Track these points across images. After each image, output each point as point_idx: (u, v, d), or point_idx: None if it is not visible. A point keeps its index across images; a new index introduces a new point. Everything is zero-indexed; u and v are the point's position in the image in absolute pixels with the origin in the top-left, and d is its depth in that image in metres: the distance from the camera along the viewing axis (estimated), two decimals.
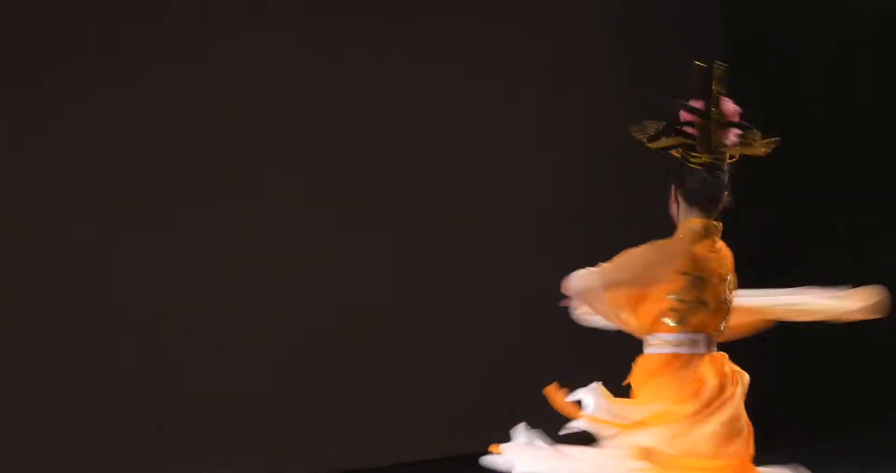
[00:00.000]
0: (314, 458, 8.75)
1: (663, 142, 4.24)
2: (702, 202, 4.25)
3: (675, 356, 4.17)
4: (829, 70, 10.80)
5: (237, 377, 8.56)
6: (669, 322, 4.17)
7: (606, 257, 4.38)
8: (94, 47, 8.11)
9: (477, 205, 9.69)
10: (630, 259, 4.21)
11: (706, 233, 4.26)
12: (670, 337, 4.19)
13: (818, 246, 10.26)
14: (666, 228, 4.42)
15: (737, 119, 4.25)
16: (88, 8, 8.08)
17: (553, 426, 4.30)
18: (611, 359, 4.68)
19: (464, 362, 9.56)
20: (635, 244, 4.37)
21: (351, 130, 9.17)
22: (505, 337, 9.75)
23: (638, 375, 4.25)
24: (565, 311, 4.59)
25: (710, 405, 4.10)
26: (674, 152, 4.27)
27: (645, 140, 4.26)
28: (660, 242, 4.25)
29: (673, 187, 4.32)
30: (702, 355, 4.18)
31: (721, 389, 4.13)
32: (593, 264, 4.39)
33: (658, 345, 4.21)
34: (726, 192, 4.27)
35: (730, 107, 4.24)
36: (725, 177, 4.27)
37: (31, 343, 7.86)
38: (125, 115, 8.21)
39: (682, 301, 4.15)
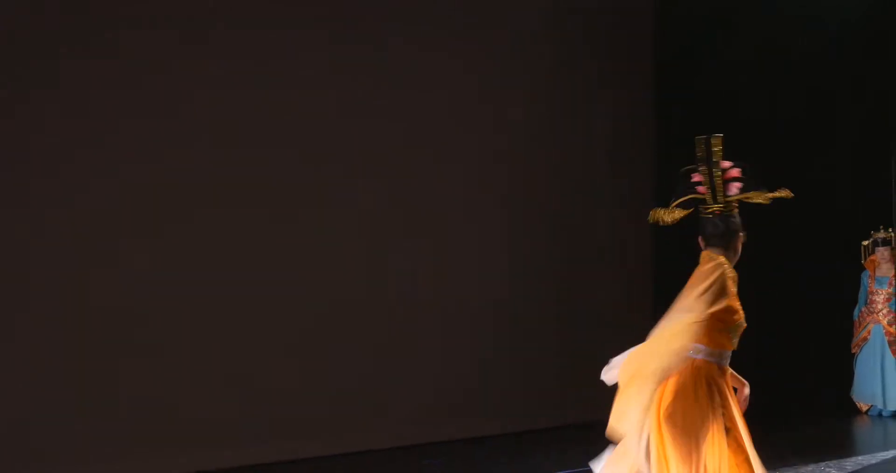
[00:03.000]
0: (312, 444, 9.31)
1: (681, 200, 5.23)
2: (717, 242, 5.16)
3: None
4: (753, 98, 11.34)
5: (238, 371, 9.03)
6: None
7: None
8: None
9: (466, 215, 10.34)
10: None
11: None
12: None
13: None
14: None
15: (736, 175, 5.20)
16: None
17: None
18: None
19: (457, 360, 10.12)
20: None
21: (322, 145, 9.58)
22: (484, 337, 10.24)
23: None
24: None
25: None
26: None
27: (669, 208, 5.25)
28: None
29: (699, 236, 5.22)
30: None
31: None
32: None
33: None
34: (741, 231, 5.22)
35: (728, 166, 5.21)
36: (736, 220, 5.22)
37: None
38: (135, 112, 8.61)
39: None
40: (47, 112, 8.29)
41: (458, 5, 10.45)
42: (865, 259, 11.98)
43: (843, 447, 10.06)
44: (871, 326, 11.85)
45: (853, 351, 12.00)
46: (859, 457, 9.55)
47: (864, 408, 11.90)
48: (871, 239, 11.91)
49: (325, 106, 9.61)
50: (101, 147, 8.50)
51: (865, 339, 11.88)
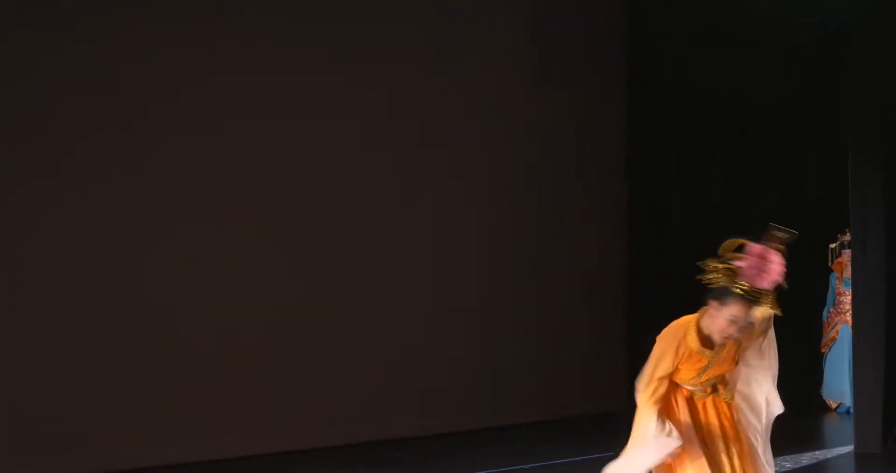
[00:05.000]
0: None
1: None
2: None
3: None
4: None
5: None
6: None
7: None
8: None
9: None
10: None
11: None
12: None
13: None
14: None
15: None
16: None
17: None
18: None
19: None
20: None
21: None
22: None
23: None
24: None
25: None
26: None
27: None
28: None
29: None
30: None
31: None
32: None
33: None
34: None
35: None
36: None
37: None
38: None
39: None
40: (47, 107, 8.70)
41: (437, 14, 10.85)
42: (833, 261, 12.27)
43: (804, 442, 10.35)
44: (839, 326, 12.13)
45: (822, 350, 12.30)
46: (816, 452, 9.87)
47: (834, 406, 12.20)
48: (839, 242, 12.20)
49: (308, 108, 9.97)
50: (89, 148, 8.87)
51: (834, 339, 12.18)
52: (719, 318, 5.37)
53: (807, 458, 9.58)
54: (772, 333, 5.69)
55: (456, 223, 10.87)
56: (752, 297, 5.34)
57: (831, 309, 12.26)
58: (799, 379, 12.37)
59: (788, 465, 9.26)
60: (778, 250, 5.34)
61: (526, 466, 9.35)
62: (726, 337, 5.42)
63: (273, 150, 9.78)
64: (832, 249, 12.27)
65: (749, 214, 11.60)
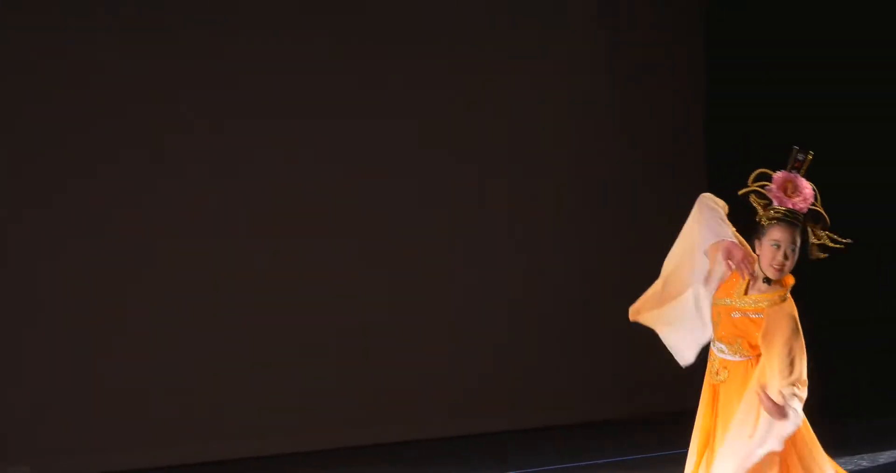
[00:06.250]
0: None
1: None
2: None
3: None
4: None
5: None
6: None
7: None
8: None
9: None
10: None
11: None
12: None
13: None
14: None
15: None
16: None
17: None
18: None
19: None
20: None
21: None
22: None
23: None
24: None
25: None
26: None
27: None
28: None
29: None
30: None
31: None
32: None
33: None
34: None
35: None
36: None
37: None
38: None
39: None
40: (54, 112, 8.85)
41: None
42: None
43: (891, 441, 10.17)
44: None
45: None
46: None
47: None
48: None
49: (358, 103, 9.93)
50: (89, 147, 8.98)
51: None
52: (764, 249, 5.26)
53: (885, 457, 9.43)
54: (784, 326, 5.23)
55: (521, 222, 10.77)
56: (789, 219, 5.25)
57: None
58: (890, 377, 12.17)
59: (865, 463, 9.13)
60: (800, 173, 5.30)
61: (546, 468, 9.37)
62: (777, 268, 5.24)
63: (301, 149, 9.75)
64: None
65: (830, 213, 11.40)
